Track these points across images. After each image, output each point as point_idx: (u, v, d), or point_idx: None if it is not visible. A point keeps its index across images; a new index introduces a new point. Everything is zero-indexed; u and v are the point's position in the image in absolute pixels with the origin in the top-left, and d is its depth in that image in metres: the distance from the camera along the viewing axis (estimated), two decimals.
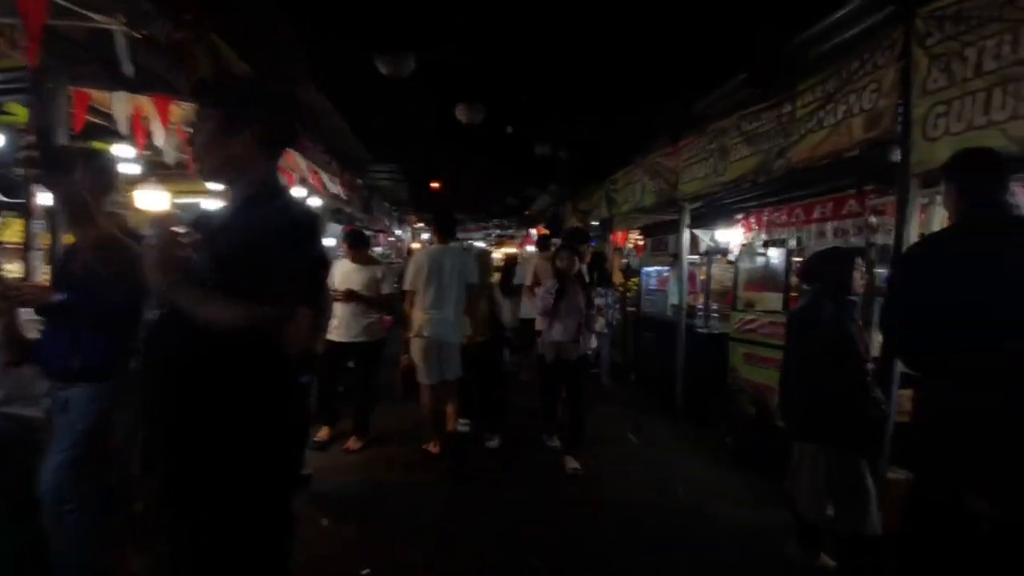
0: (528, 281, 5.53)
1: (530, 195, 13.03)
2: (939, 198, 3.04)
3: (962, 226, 2.21)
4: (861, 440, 2.65)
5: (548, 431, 4.49)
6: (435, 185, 15.50)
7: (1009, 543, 1.96)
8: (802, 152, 3.59)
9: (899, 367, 2.79)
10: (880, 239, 3.56)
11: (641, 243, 8.30)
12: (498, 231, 22.11)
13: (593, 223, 8.53)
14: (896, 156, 3.49)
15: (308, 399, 3.39)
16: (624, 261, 8.25)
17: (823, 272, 2.86)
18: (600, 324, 4.30)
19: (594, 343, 4.34)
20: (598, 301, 4.49)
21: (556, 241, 6.24)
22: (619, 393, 6.36)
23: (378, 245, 14.84)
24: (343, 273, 4.30)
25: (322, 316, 3.33)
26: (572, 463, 4.01)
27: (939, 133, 2.68)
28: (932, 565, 2.18)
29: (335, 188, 5.82)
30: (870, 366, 2.69)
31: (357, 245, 4.37)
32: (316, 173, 5.14)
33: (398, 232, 16.71)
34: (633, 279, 7.49)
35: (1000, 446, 1.92)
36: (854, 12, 3.32)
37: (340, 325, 4.24)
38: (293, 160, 4.23)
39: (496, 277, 5.55)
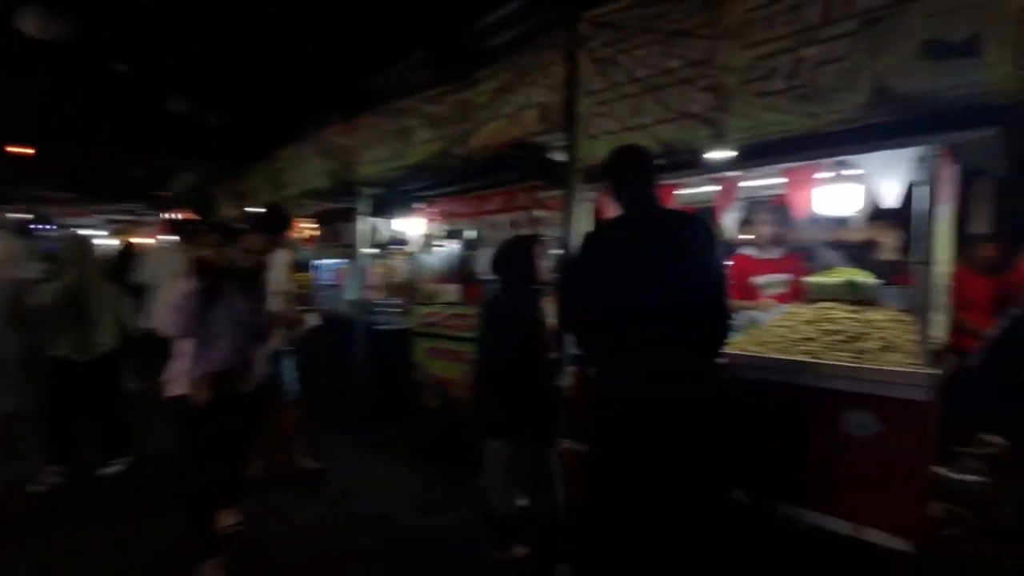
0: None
1: (168, 170, 10.33)
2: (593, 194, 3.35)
3: (617, 220, 2.39)
4: (550, 433, 2.65)
5: (199, 525, 2.64)
6: (19, 149, 10.98)
7: (664, 505, 2.17)
8: (481, 139, 3.53)
9: (570, 350, 2.92)
10: (547, 231, 3.79)
11: (314, 233, 7.44)
12: (131, 215, 17.85)
13: (253, 209, 7.24)
14: (558, 154, 3.79)
15: None
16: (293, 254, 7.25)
17: (510, 262, 2.78)
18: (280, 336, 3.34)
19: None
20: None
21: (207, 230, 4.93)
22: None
23: None
24: None
25: None
26: (228, 519, 2.96)
27: (599, 132, 2.89)
28: (607, 526, 2.28)
29: None
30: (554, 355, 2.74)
31: None
32: None
33: None
34: (302, 274, 6.60)
35: (654, 426, 2.09)
36: (526, 7, 3.41)
37: None
38: None
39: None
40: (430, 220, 4.70)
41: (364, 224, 4.92)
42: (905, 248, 5.02)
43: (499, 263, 2.83)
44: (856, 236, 5.15)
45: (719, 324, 2.20)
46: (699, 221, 2.40)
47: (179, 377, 2.57)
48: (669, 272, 2.14)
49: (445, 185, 4.53)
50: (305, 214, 6.69)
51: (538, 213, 3.80)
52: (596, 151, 2.86)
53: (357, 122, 4.78)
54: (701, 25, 2.50)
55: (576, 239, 3.03)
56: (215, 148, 8.13)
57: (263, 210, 3.54)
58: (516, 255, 2.76)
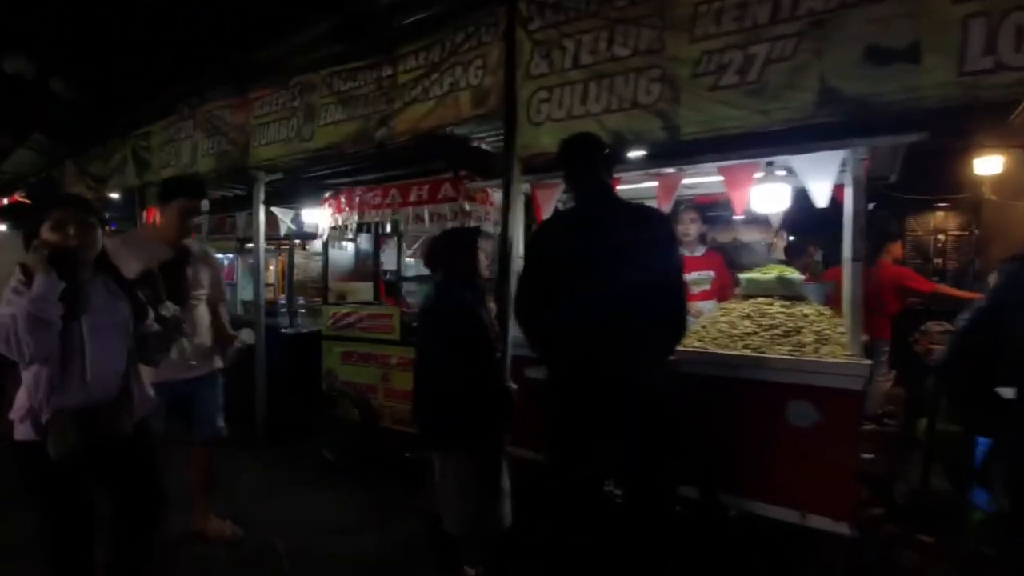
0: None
1: None
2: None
3: (570, 212, 2.33)
4: (501, 440, 2.45)
5: None
6: None
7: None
8: (407, 122, 3.21)
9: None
10: (475, 224, 3.58)
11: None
12: None
13: (113, 195, 6.21)
14: (483, 143, 3.58)
15: None
16: None
17: (447, 258, 2.53)
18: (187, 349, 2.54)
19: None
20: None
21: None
22: None
23: None
24: None
25: None
26: None
27: (542, 118, 2.72)
28: (566, 529, 2.25)
29: None
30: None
31: None
32: None
33: None
34: None
35: (609, 426, 2.07)
36: None
37: None
38: None
39: None
40: (340, 210, 4.26)
41: (260, 214, 4.34)
42: (790, 250, 5.51)
43: (438, 257, 2.56)
44: (748, 237, 5.52)
45: (675, 321, 2.17)
46: (657, 215, 2.35)
47: (26, 415, 1.80)
48: (624, 268, 2.09)
49: (359, 172, 4.12)
50: None
51: (467, 205, 3.57)
52: (540, 139, 2.70)
53: (251, 97, 4.19)
54: (648, 14, 2.43)
55: (514, 231, 2.86)
56: (59, 122, 6.79)
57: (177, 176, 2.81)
58: (456, 248, 2.51)
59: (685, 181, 3.05)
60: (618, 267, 2.05)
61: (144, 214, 5.72)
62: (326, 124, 3.66)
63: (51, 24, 5.02)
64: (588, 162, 2.23)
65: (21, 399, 1.81)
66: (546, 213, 3.26)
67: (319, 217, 4.45)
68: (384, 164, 3.98)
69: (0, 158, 8.43)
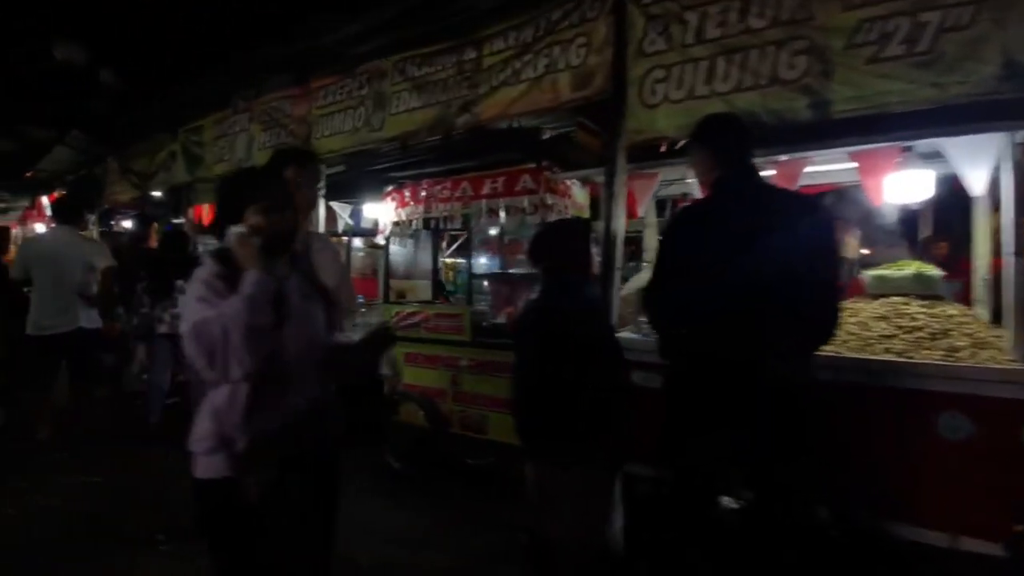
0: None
1: (40, 144, 8.28)
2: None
3: (717, 196, 2.11)
4: (617, 451, 2.22)
5: None
6: None
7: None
8: (494, 107, 3.00)
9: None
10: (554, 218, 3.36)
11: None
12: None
13: (155, 193, 6.11)
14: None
15: None
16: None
17: (558, 251, 2.30)
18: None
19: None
20: None
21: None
22: None
23: None
24: None
25: None
26: None
27: (658, 100, 2.49)
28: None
29: None
30: None
31: None
32: None
33: None
34: None
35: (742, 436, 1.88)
36: None
37: None
38: None
39: None
40: (404, 204, 4.06)
41: (320, 209, 4.15)
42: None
43: (545, 251, 2.34)
44: None
45: (820, 317, 1.94)
46: (807, 201, 2.15)
47: (216, 446, 1.40)
48: (768, 261, 1.85)
49: (424, 165, 3.92)
50: None
51: (548, 198, 3.35)
52: (656, 123, 2.47)
53: (313, 86, 4.01)
54: None
55: (617, 224, 2.64)
56: (101, 117, 6.67)
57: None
58: (568, 241, 2.28)
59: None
60: (756, 256, 1.84)
61: (191, 212, 5.58)
62: (399, 112, 3.46)
63: (101, 13, 4.91)
64: (729, 145, 2.02)
65: (204, 427, 1.42)
66: (642, 205, 3.04)
67: (380, 212, 4.26)
68: (449, 156, 3.78)
69: (39, 155, 8.38)
